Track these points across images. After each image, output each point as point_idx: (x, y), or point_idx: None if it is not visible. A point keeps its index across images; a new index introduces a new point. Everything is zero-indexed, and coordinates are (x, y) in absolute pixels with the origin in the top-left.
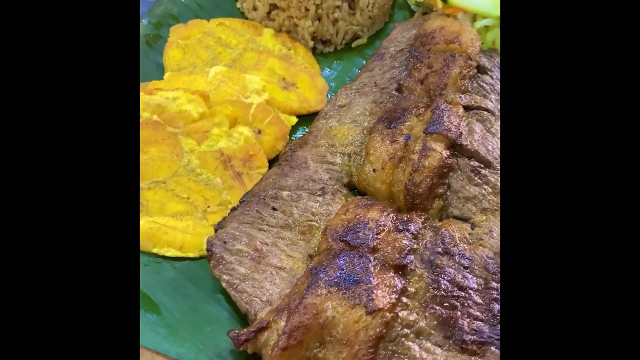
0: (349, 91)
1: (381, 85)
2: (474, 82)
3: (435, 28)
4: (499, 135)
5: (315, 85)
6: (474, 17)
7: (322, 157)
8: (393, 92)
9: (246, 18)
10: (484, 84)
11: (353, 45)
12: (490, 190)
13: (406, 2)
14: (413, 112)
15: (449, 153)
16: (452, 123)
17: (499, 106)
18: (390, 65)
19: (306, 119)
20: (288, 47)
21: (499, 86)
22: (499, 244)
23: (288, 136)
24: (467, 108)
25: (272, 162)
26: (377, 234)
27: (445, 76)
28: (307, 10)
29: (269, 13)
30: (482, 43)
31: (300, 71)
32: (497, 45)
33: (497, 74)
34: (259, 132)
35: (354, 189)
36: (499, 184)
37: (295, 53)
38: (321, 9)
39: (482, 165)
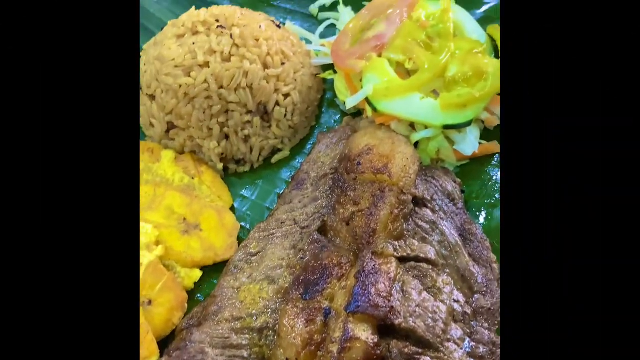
0: (264, 233)
1: (302, 223)
2: (410, 220)
3: (361, 150)
4: (442, 296)
5: (223, 225)
6: (412, 124)
7: (225, 340)
8: (315, 235)
9: (144, 135)
10: (422, 223)
11: (273, 160)
12: None
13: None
14: (334, 273)
15: (376, 339)
16: (380, 294)
17: (444, 250)
18: (311, 196)
19: (214, 268)
20: (191, 174)
21: (444, 222)
22: None
23: (186, 304)
24: (402, 260)
25: (167, 341)
26: None
27: (374, 220)
28: (210, 129)
29: (168, 131)
30: (422, 162)
31: (206, 207)
32: (443, 154)
33: (440, 201)
34: (150, 302)
35: None
36: None
37: (200, 182)
38: (227, 127)
39: (419, 350)
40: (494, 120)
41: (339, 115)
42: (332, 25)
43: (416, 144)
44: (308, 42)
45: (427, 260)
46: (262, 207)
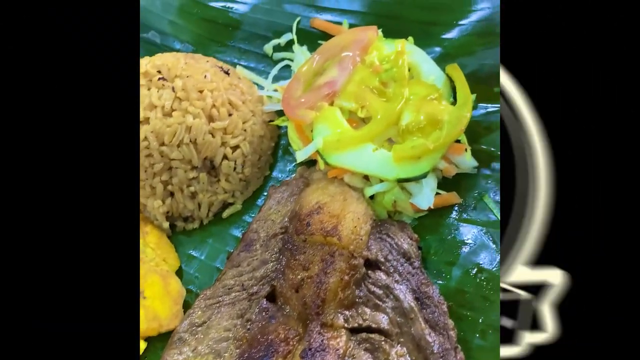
0: (210, 300)
1: (250, 289)
2: (363, 286)
3: (312, 208)
4: None
5: (168, 292)
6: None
7: None
8: (264, 303)
9: None
10: (375, 289)
11: (224, 215)
12: None
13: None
14: (280, 350)
15: None
16: None
17: (398, 317)
18: (261, 258)
19: (159, 338)
20: None
21: (399, 286)
22: None
23: None
24: (353, 331)
25: None
26: None
27: (323, 288)
28: (153, 188)
29: None
30: (375, 218)
31: (150, 272)
32: (400, 206)
33: (394, 261)
34: None
35: None
36: None
37: (145, 244)
38: (171, 184)
39: None
40: (452, 170)
41: (294, 163)
42: (287, 67)
43: (372, 196)
44: (260, 87)
45: (380, 331)
46: (212, 267)
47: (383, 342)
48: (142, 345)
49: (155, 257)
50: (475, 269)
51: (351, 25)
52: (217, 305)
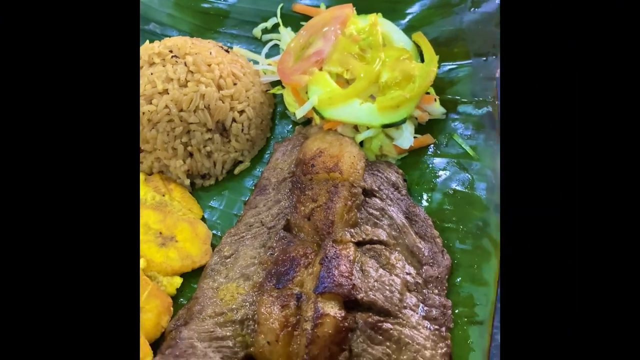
0: (235, 237)
1: (268, 224)
2: (362, 210)
3: (314, 153)
4: (396, 271)
5: (197, 234)
6: (355, 126)
7: (210, 334)
8: (281, 233)
9: None
10: (373, 211)
11: (236, 172)
12: (394, 346)
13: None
14: (301, 262)
15: (343, 313)
16: (342, 275)
17: (393, 231)
18: (274, 199)
19: (192, 274)
20: (162, 192)
21: (391, 208)
22: None
23: (172, 308)
24: (359, 244)
25: (158, 343)
26: None
27: (331, 212)
28: (174, 149)
29: None
30: (367, 158)
31: (179, 220)
32: (385, 149)
33: (386, 190)
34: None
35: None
36: (402, 336)
37: (171, 198)
38: (190, 145)
39: (381, 319)
40: (425, 116)
41: (290, 126)
42: (276, 45)
43: (361, 143)
44: (255, 62)
45: (380, 242)
46: (230, 214)
47: (384, 250)
48: (179, 280)
49: (182, 208)
50: (452, 191)
51: (328, 7)
52: (241, 239)
